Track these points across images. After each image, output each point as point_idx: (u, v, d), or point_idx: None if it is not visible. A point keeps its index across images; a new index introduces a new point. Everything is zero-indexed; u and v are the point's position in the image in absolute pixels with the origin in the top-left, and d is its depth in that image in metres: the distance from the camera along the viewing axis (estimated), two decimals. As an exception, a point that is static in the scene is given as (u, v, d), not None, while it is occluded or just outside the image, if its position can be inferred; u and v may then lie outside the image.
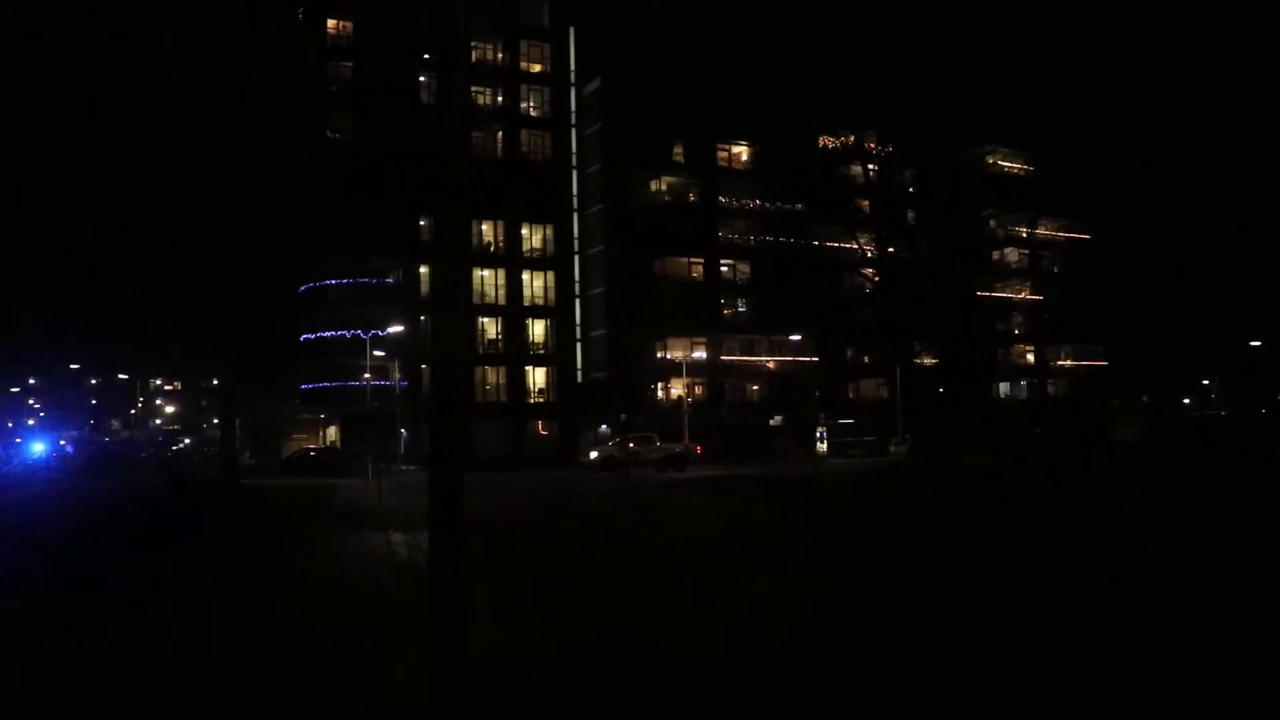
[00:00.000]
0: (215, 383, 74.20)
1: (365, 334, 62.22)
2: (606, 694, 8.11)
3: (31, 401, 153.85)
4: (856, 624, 10.74)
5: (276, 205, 47.70)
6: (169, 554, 19.67)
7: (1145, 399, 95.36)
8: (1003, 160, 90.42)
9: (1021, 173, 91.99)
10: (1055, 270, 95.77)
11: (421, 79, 69.91)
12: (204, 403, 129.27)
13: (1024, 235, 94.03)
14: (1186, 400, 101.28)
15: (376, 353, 62.85)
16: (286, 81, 46.80)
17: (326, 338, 72.02)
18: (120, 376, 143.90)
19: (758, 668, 8.77)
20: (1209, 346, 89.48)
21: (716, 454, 64.11)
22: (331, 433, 78.71)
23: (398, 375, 67.00)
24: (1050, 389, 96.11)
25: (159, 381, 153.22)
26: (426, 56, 67.49)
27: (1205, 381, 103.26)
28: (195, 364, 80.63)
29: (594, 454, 60.58)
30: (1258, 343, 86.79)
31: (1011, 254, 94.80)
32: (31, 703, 9.37)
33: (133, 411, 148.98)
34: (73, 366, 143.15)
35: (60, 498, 41.01)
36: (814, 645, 9.67)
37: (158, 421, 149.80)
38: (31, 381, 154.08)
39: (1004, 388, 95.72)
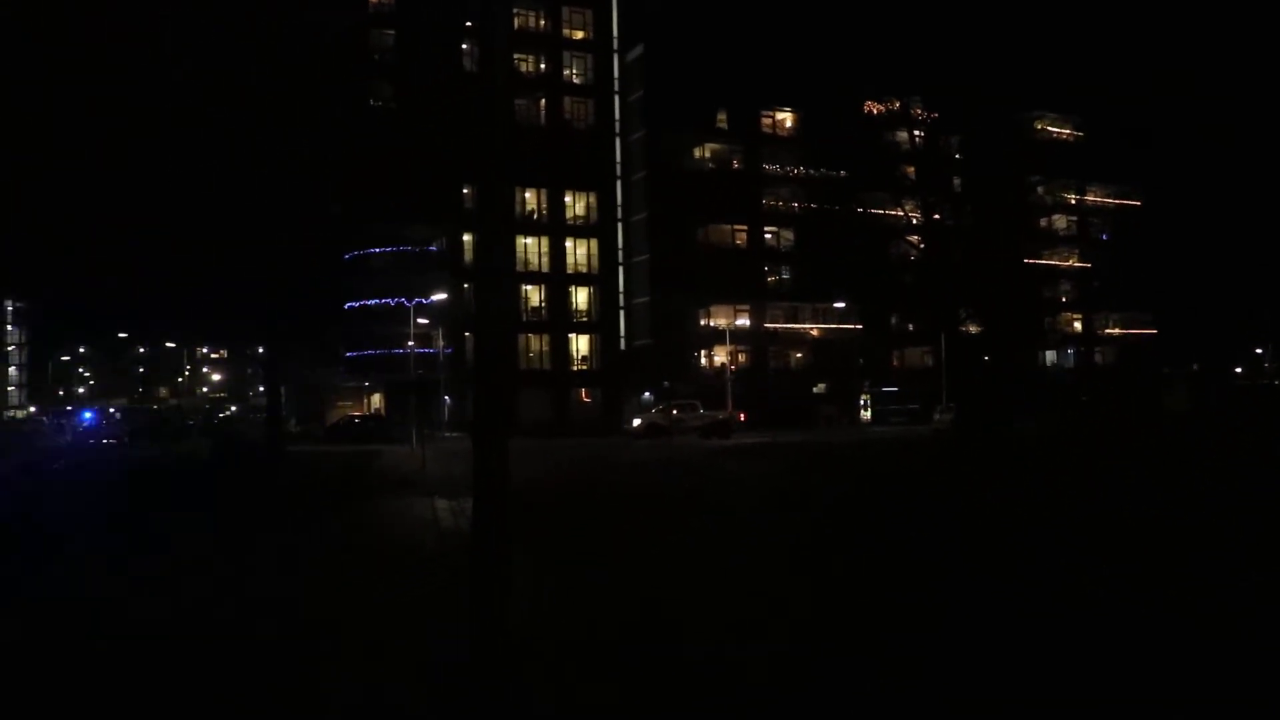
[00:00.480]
0: (260, 351, 74.87)
1: (409, 302, 62.45)
2: (630, 680, 8.09)
3: (81, 370, 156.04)
4: (877, 619, 10.61)
5: (319, 174, 47.87)
6: (215, 517, 19.79)
7: (1195, 368, 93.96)
8: (1051, 125, 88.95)
9: (1070, 138, 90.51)
10: (1104, 237, 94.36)
11: (464, 46, 69.73)
12: (250, 371, 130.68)
13: (1072, 201, 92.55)
14: (1238, 369, 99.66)
15: (420, 320, 63.07)
16: (331, 49, 46.89)
17: (370, 305, 72.44)
18: (168, 344, 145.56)
19: (776, 664, 8.71)
20: (1262, 314, 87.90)
21: (760, 421, 63.96)
22: (376, 400, 79.30)
23: (441, 342, 67.22)
24: (1098, 357, 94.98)
25: (206, 350, 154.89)
26: (469, 24, 67.30)
27: (1259, 350, 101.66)
28: (241, 332, 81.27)
29: (637, 421, 60.53)
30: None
31: (1059, 220, 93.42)
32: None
33: (180, 379, 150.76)
34: (121, 335, 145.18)
35: (108, 465, 41.61)
36: (839, 642, 9.60)
37: (204, 390, 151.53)
38: (81, 350, 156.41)
39: (1050, 356, 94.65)
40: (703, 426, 57.73)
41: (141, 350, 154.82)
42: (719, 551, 15.20)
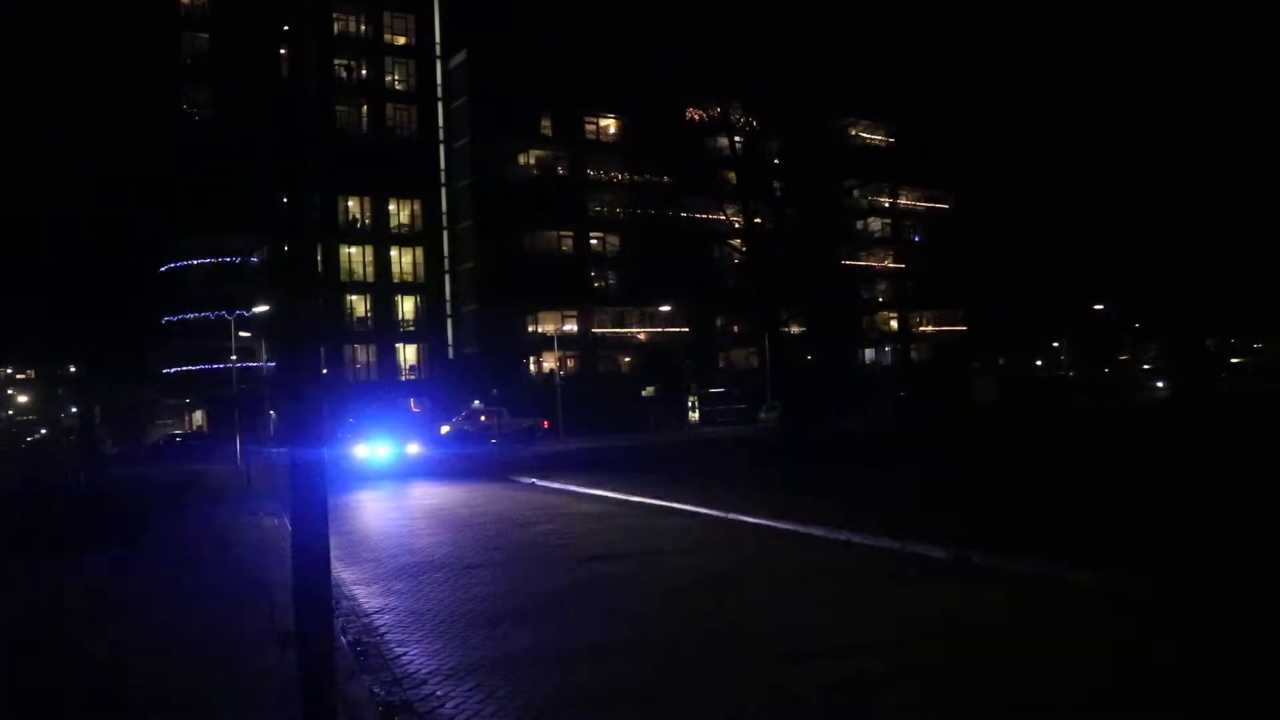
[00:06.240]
0: (73, 370, 71.93)
1: (230, 314, 60.88)
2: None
3: None
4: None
5: (133, 184, 46.49)
6: (27, 556, 18.68)
7: (1001, 362, 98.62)
8: (864, 133, 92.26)
9: (883, 144, 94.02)
10: (916, 239, 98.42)
11: (283, 51, 68.30)
12: (60, 391, 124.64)
13: (886, 205, 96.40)
14: (1039, 362, 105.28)
15: (242, 334, 61.60)
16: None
17: (190, 319, 70.28)
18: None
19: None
20: (1058, 310, 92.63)
21: (592, 426, 64.50)
22: (198, 417, 76.93)
23: (265, 356, 65.78)
24: (913, 354, 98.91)
25: (10, 370, 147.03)
26: (287, 28, 66.03)
27: (1055, 344, 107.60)
28: (50, 350, 77.74)
29: (445, 429, 60.18)
30: (1100, 306, 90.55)
31: (875, 223, 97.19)
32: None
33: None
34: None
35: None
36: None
37: (9, 413, 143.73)
38: None
39: (869, 354, 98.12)
40: (510, 434, 57.97)
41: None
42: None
